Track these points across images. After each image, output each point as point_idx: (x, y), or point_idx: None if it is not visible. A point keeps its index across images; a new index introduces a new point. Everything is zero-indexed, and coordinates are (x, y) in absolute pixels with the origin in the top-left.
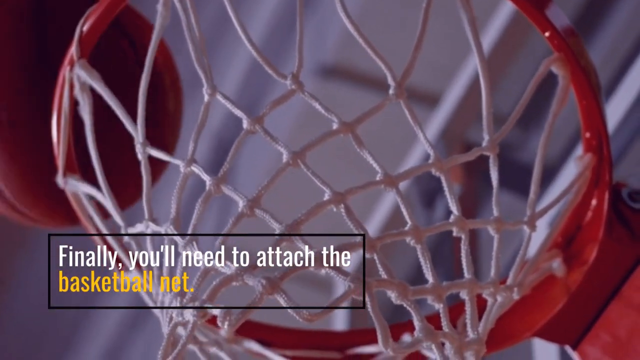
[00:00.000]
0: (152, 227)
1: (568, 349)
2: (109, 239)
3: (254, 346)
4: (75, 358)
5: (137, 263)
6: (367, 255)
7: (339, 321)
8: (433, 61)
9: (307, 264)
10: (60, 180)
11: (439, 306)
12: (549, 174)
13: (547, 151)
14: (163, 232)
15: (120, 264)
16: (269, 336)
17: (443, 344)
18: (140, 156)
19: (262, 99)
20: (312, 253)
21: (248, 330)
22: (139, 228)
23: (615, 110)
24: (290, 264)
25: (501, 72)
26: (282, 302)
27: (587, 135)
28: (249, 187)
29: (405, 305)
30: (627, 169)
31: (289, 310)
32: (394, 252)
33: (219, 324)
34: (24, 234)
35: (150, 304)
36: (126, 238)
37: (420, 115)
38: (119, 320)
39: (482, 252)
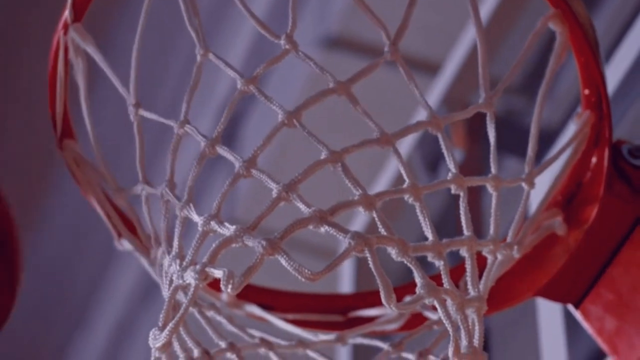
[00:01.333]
0: (147, 190)
1: (570, 307)
2: (107, 206)
3: (255, 310)
4: (86, 332)
5: (134, 229)
6: (367, 214)
7: (345, 285)
8: (434, 28)
9: (306, 223)
10: (57, 145)
11: (439, 263)
12: (552, 140)
13: (551, 117)
14: (158, 194)
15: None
16: (269, 300)
17: (445, 301)
18: (132, 118)
19: (264, 77)
20: (311, 211)
21: (249, 294)
22: (133, 191)
23: (613, 76)
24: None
25: (502, 39)
26: (284, 263)
27: (586, 92)
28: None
29: (405, 262)
30: (625, 134)
31: (290, 270)
32: (400, 225)
33: (222, 286)
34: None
35: (150, 271)
36: (120, 202)
37: (422, 82)
38: (129, 294)
39: (486, 220)
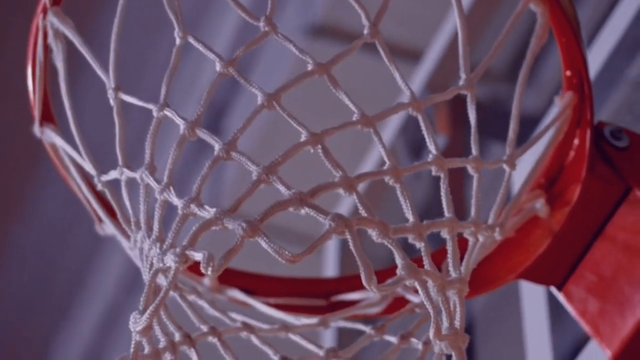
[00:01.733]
0: (127, 174)
1: (553, 289)
2: (86, 190)
3: (237, 294)
4: (72, 325)
5: (114, 213)
6: (347, 195)
7: (329, 269)
8: (416, 15)
9: (286, 205)
10: (36, 130)
11: (420, 245)
12: (536, 127)
13: (535, 104)
14: (138, 178)
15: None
16: (252, 284)
17: (426, 283)
18: (112, 102)
19: (249, 68)
20: (291, 193)
21: (231, 278)
22: (112, 175)
23: (596, 60)
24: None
25: (485, 26)
26: (264, 245)
27: (568, 73)
28: (243, 146)
29: (386, 243)
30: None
31: (271, 252)
32: (385, 213)
33: (202, 269)
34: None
35: (131, 255)
36: (100, 187)
37: (406, 70)
38: (115, 284)
39: (469, 207)
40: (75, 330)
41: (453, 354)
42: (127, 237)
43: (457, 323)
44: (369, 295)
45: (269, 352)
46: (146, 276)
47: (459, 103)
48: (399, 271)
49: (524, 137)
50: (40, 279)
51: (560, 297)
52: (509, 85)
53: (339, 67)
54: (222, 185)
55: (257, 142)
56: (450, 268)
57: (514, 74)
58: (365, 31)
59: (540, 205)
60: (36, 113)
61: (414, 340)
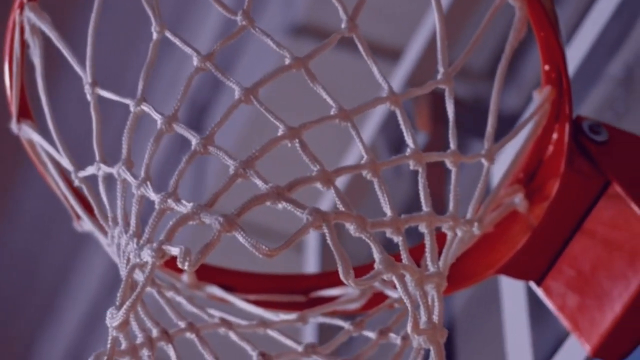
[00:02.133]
0: (104, 169)
1: (532, 284)
2: (64, 187)
3: (216, 291)
4: (56, 322)
5: (92, 209)
6: (324, 189)
7: (310, 267)
8: (396, 14)
9: (263, 199)
10: (14, 126)
11: (397, 239)
12: (517, 123)
13: (516, 101)
14: (115, 174)
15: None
16: (231, 281)
17: (403, 277)
18: (89, 97)
19: (231, 67)
20: (268, 187)
21: (210, 275)
22: (90, 171)
23: (575, 58)
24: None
25: (465, 24)
26: (241, 239)
27: (546, 67)
28: (224, 144)
29: (364, 237)
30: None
31: (248, 246)
32: (372, 213)
33: (179, 263)
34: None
35: (109, 251)
36: (77, 182)
37: (386, 69)
38: (99, 282)
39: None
40: (59, 328)
41: (431, 348)
42: (105, 233)
43: (435, 318)
44: (348, 291)
45: (248, 348)
46: (123, 272)
47: (439, 101)
48: (376, 265)
49: (504, 135)
50: (23, 277)
51: (540, 292)
52: (490, 84)
53: (320, 66)
54: (205, 184)
55: (239, 141)
56: (429, 262)
57: (495, 74)
58: (343, 25)
59: (519, 200)
60: (13, 109)
61: (392, 335)
